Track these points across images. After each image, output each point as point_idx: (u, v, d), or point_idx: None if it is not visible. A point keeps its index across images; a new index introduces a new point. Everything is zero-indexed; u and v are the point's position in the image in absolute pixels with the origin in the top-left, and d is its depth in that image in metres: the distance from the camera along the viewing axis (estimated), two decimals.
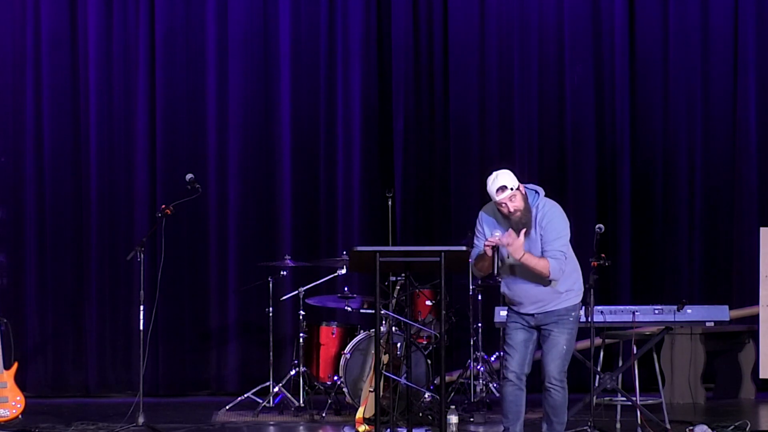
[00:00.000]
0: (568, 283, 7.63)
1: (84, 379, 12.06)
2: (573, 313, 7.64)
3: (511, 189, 7.45)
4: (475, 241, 7.69)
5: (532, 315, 7.61)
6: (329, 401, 10.29)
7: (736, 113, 12.37)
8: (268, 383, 10.69)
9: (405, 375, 8.68)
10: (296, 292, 10.73)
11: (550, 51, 12.41)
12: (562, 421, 7.73)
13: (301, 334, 10.58)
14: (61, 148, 12.08)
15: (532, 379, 12.58)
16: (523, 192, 7.53)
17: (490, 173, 7.51)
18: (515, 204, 7.47)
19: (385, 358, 9.01)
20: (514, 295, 7.63)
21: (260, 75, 12.25)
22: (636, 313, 9.21)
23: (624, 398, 9.51)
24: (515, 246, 7.37)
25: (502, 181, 7.47)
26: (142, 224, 11.99)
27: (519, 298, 7.62)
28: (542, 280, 7.51)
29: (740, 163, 12.36)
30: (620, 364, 9.78)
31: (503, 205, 7.47)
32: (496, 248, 7.38)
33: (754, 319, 10.89)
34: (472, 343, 10.69)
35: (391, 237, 10.50)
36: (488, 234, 7.53)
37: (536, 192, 7.64)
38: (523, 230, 7.43)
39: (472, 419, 10.03)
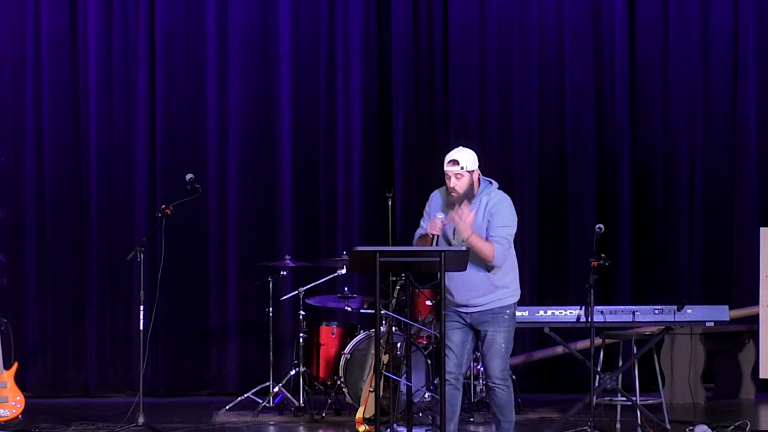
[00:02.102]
0: (506, 280, 7.62)
1: (84, 379, 12.06)
2: (508, 311, 7.64)
3: (462, 168, 7.52)
4: (422, 222, 7.73)
5: (468, 313, 7.59)
6: (329, 401, 10.30)
7: (736, 113, 12.37)
8: (268, 383, 10.69)
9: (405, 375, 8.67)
10: (296, 292, 10.73)
11: (550, 51, 12.40)
12: (510, 419, 7.74)
13: (301, 334, 10.58)
14: (61, 148, 12.07)
15: (530, 379, 12.58)
16: (475, 180, 7.58)
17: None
18: (458, 184, 7.53)
19: (385, 358, 9.00)
20: (449, 280, 7.54)
21: (260, 75, 12.25)
22: (636, 313, 9.19)
23: (624, 398, 9.51)
24: (465, 223, 7.39)
25: (459, 156, 7.56)
26: (142, 224, 11.98)
27: (455, 283, 7.54)
28: (482, 264, 7.48)
29: (740, 163, 12.36)
30: (620, 364, 9.77)
31: (448, 177, 7.55)
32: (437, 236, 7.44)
33: (754, 319, 10.88)
34: None
35: (391, 237, 10.50)
36: (433, 215, 7.59)
37: (490, 182, 7.68)
38: (474, 210, 7.45)
39: (472, 419, 10.03)
